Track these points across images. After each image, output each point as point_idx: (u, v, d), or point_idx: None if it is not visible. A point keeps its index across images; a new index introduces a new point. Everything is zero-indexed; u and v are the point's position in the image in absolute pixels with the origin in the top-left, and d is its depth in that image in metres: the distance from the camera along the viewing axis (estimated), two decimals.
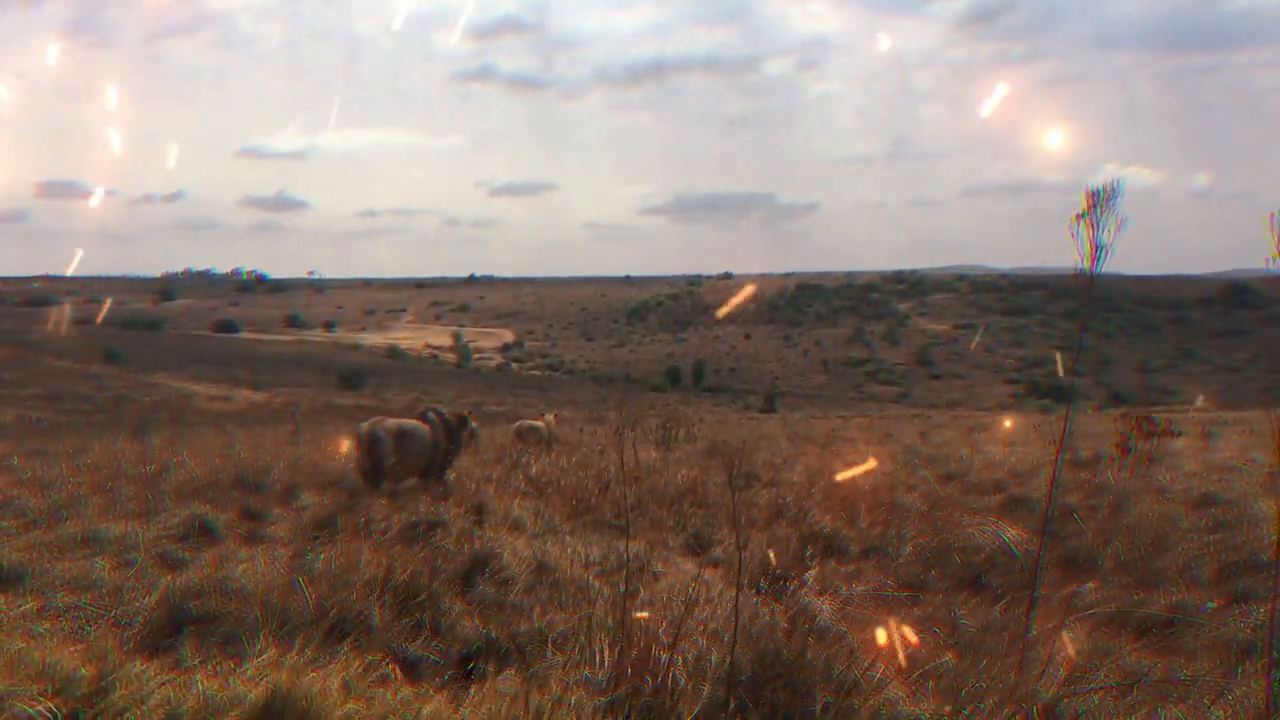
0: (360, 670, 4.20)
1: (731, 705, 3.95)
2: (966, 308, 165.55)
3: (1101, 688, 4.50)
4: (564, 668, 4.37)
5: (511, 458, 14.15)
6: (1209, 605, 6.32)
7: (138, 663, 4.02)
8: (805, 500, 10.12)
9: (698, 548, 8.46)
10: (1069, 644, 4.70)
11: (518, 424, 18.50)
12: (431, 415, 10.82)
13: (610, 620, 4.64)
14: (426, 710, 3.93)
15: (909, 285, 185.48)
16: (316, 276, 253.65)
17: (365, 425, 10.22)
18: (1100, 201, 3.92)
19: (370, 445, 10.02)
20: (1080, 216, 3.96)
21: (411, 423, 10.52)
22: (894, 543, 8.20)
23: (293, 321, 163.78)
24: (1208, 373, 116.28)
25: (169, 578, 6.17)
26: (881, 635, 4.47)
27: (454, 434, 10.93)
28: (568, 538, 8.28)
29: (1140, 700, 4.45)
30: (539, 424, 18.34)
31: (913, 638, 4.65)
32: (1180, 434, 17.16)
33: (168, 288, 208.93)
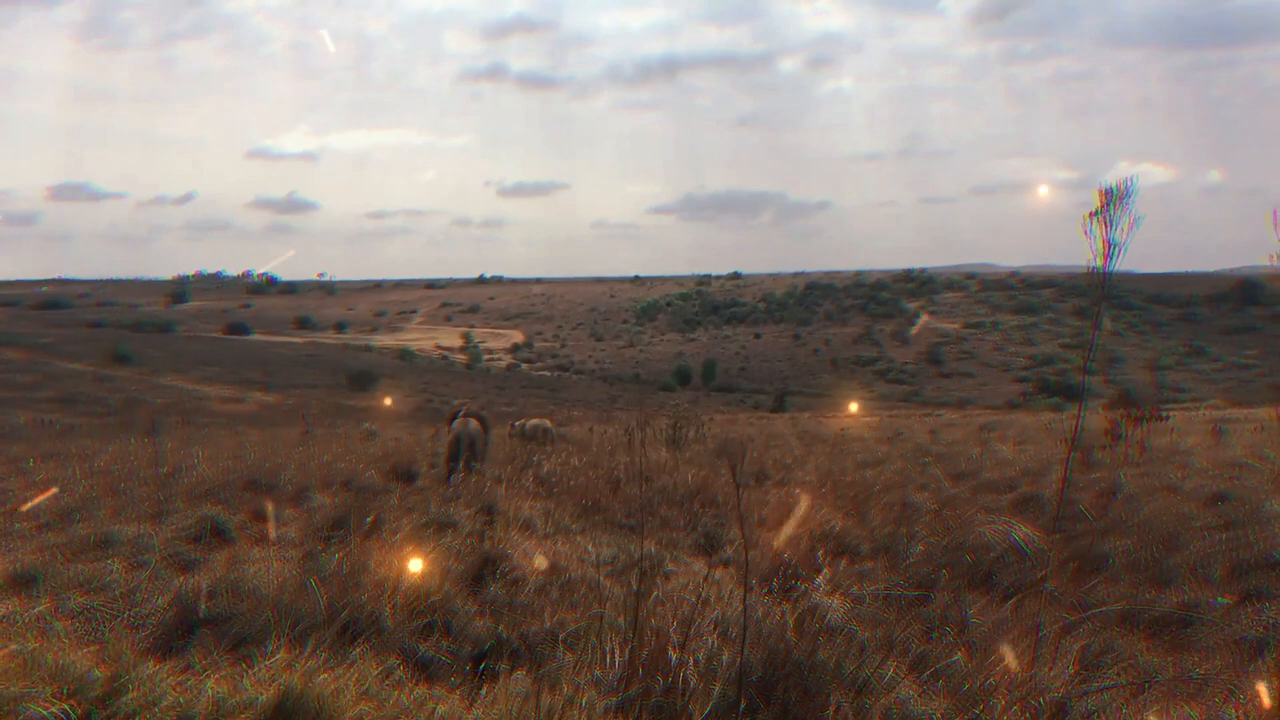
0: (373, 672, 4.22)
1: (743, 705, 3.95)
2: (977, 306, 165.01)
3: (1113, 686, 4.49)
4: (575, 668, 4.37)
5: (522, 458, 14.16)
6: (1219, 600, 6.31)
7: (151, 664, 4.04)
8: (816, 499, 10.10)
9: (709, 547, 8.46)
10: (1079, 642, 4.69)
11: (530, 424, 18.35)
12: (481, 414, 13.53)
13: (621, 620, 4.65)
14: (439, 711, 3.94)
15: (918, 284, 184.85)
16: (326, 278, 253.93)
17: (456, 427, 12.70)
18: (1114, 199, 3.91)
19: (470, 444, 12.44)
20: (1094, 214, 3.96)
21: (479, 425, 12.99)
22: (904, 542, 8.19)
23: (304, 323, 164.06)
24: (1218, 370, 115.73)
25: (181, 579, 6.20)
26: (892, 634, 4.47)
27: (488, 428, 13.58)
28: (578, 538, 8.29)
29: (1152, 699, 4.44)
30: (549, 423, 18.33)
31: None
32: (1167, 418, 17.18)
33: (179, 290, 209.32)
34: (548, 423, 18.40)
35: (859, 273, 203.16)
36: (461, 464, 12.19)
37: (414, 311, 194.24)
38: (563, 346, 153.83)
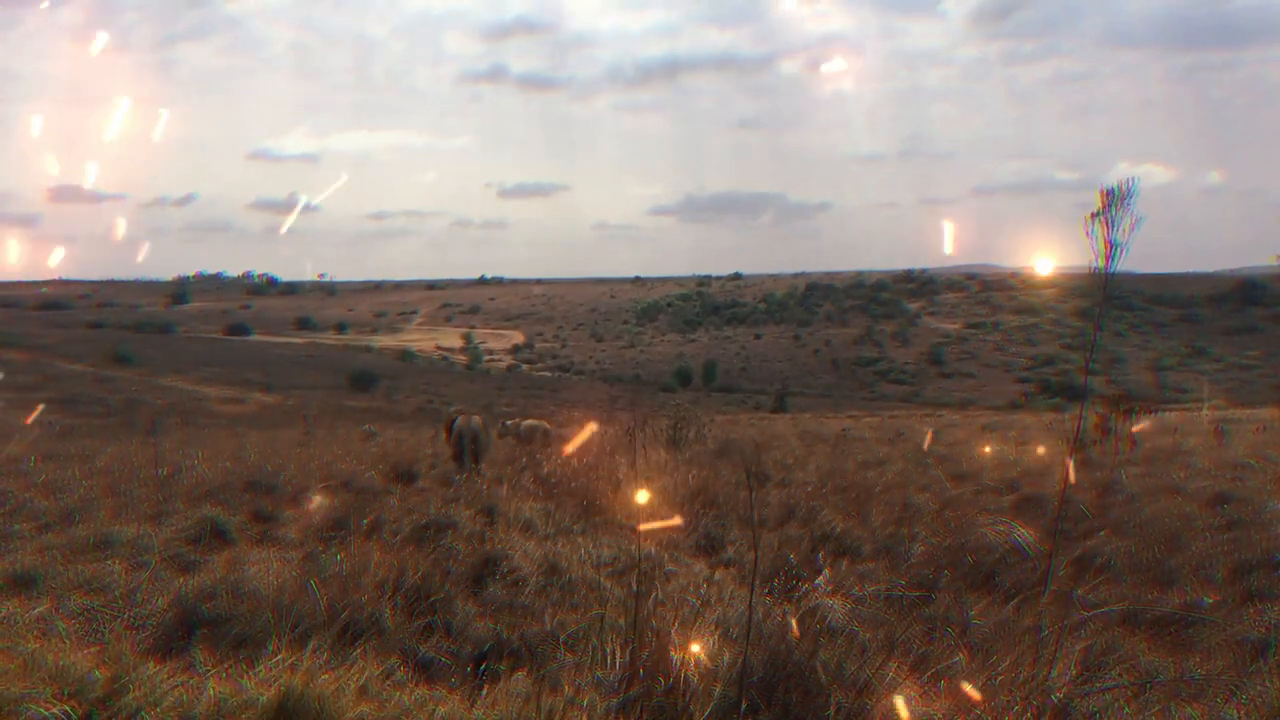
0: (374, 672, 4.21)
1: (743, 706, 3.94)
2: (978, 306, 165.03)
3: (1114, 686, 4.48)
4: (576, 668, 4.37)
5: (521, 460, 14.16)
6: (1205, 600, 6.34)
7: (151, 665, 4.03)
8: (817, 500, 10.10)
9: (709, 548, 8.45)
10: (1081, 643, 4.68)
11: (525, 424, 18.17)
12: (480, 415, 13.92)
13: (622, 621, 4.64)
14: (440, 712, 3.94)
15: (919, 284, 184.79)
16: (327, 279, 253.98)
17: (460, 422, 12.96)
18: (1115, 200, 3.91)
19: (473, 439, 12.79)
20: (1095, 215, 3.95)
21: (480, 421, 13.40)
22: (906, 542, 8.18)
23: (304, 324, 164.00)
24: (1220, 370, 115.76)
25: (181, 580, 6.20)
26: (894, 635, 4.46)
27: (487, 428, 13.99)
28: (579, 538, 8.28)
29: (1153, 699, 4.43)
30: (547, 424, 18.25)
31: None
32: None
33: (179, 291, 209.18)
34: (545, 424, 18.31)
35: (859, 273, 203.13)
36: (468, 459, 12.64)
37: (414, 312, 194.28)
38: (563, 347, 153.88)
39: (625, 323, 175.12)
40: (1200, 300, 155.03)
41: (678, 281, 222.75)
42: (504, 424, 17.76)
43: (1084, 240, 3.96)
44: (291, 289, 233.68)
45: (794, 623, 4.66)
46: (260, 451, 16.92)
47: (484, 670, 4.87)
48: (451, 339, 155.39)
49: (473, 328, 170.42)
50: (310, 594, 5.42)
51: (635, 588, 4.64)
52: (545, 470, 12.43)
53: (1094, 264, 3.95)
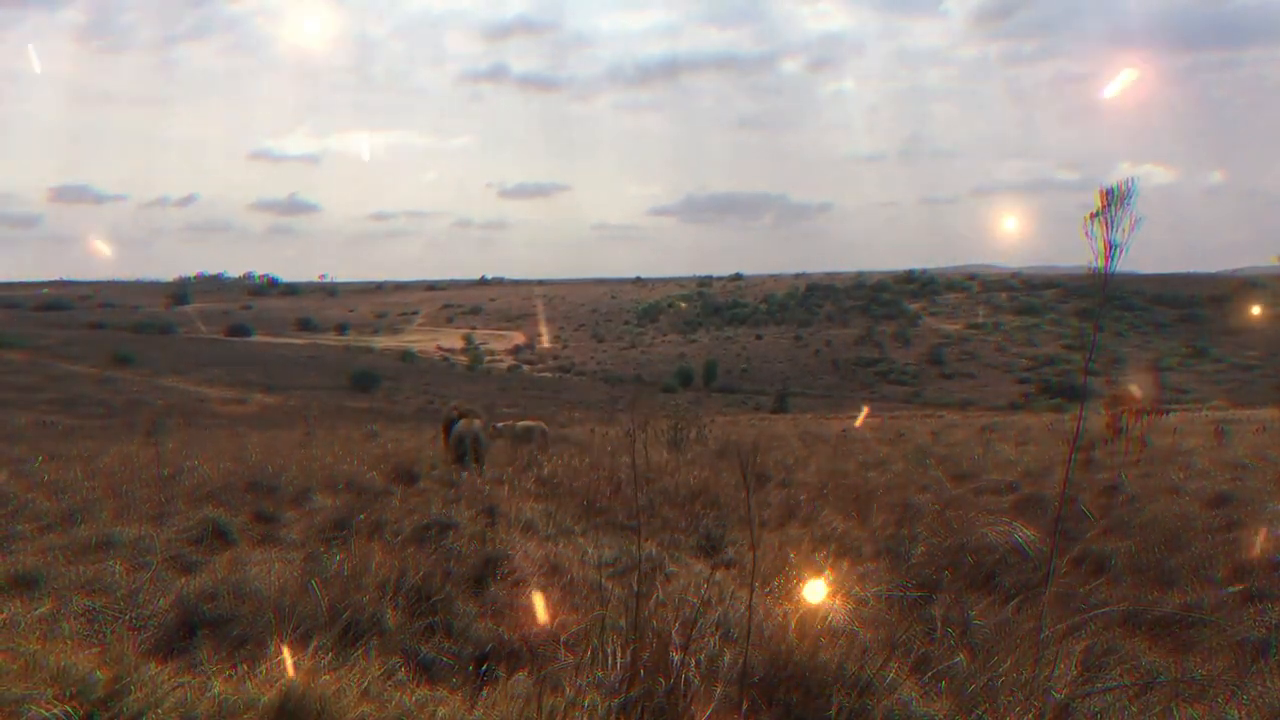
0: (375, 673, 4.21)
1: (744, 706, 3.94)
2: (979, 307, 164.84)
3: (1115, 687, 4.48)
4: (577, 669, 4.37)
5: (521, 460, 14.17)
6: (1230, 589, 6.34)
7: (153, 665, 4.04)
8: (817, 500, 10.10)
9: (710, 549, 8.45)
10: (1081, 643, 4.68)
11: (521, 425, 18.07)
12: (480, 418, 14.26)
13: (623, 621, 4.64)
14: (441, 712, 3.94)
15: (920, 285, 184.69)
16: (328, 279, 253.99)
17: (461, 426, 13.27)
18: (1115, 200, 3.91)
19: (474, 441, 13.10)
20: (1095, 215, 3.95)
21: (481, 424, 13.84)
22: (906, 543, 8.18)
23: (305, 325, 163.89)
24: (1220, 371, 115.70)
25: (183, 580, 6.20)
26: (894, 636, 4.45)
27: (485, 428, 14.39)
28: (580, 539, 8.29)
29: (1155, 700, 4.43)
30: (544, 425, 18.24)
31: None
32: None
33: (180, 291, 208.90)
34: (543, 424, 18.27)
35: (860, 274, 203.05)
36: (470, 461, 12.85)
37: (415, 313, 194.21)
38: (564, 348, 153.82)
39: (626, 323, 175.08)
40: (1200, 300, 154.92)
41: (678, 282, 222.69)
42: (496, 425, 17.56)
43: (1084, 240, 3.97)
44: (292, 289, 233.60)
45: (794, 623, 4.66)
46: (261, 452, 16.93)
47: (485, 671, 4.88)
48: (453, 340, 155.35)
49: (474, 328, 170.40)
50: (312, 594, 5.42)
51: (636, 588, 4.64)
52: (546, 471, 12.44)
53: (1093, 264, 3.95)
